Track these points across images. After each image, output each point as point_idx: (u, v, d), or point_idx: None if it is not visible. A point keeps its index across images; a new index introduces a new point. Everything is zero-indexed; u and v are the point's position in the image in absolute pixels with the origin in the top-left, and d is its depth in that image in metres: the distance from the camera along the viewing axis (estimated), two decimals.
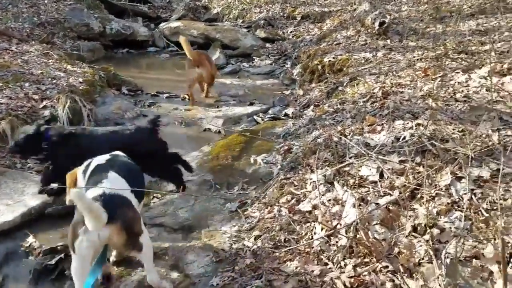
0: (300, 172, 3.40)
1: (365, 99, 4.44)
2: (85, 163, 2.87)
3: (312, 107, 5.75)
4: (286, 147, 4.18)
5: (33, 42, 8.06)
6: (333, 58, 6.57)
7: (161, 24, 11.42)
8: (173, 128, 5.69)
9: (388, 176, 2.83)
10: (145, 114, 6.08)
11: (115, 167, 2.67)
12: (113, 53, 10.16)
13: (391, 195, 2.71)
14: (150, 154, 3.53)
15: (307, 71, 6.91)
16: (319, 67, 6.69)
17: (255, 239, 2.80)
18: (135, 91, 7.00)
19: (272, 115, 5.74)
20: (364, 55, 6.36)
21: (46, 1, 10.21)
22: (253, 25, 11.13)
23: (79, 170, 2.86)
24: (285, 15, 11.37)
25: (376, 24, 6.90)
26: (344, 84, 5.54)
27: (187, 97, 6.76)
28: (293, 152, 4.01)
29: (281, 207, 3.00)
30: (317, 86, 6.49)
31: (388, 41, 6.68)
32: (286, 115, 5.76)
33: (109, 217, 2.24)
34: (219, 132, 5.49)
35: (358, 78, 5.38)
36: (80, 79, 6.25)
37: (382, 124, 3.63)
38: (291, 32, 10.64)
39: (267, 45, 9.95)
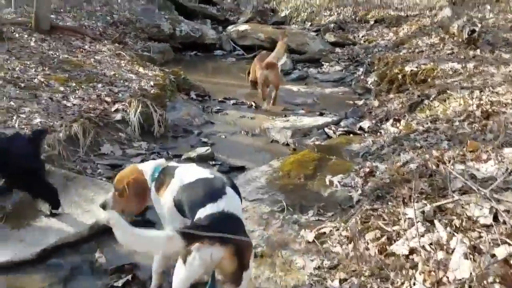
0: (389, 203, 2.98)
1: (461, 118, 3.91)
2: (155, 168, 2.61)
3: (391, 121, 5.26)
4: (367, 169, 3.75)
5: (105, 42, 8.16)
6: (416, 67, 6.02)
7: (229, 27, 11.28)
8: (240, 137, 5.43)
9: (504, 220, 2.35)
10: (213, 121, 5.88)
11: (229, 183, 2.36)
12: (181, 56, 10.13)
13: (510, 244, 2.23)
14: (21, 167, 3.12)
15: (385, 80, 6.40)
16: (399, 76, 6.16)
17: (340, 282, 2.43)
18: (203, 96, 6.83)
19: (345, 129, 5.30)
20: (451, 66, 5.77)
21: (119, 1, 10.37)
22: (322, 28, 10.70)
23: (144, 177, 2.61)
24: (357, 18, 10.85)
25: (465, 32, 6.26)
26: (432, 98, 5.01)
27: (253, 104, 6.49)
28: (377, 177, 3.57)
29: (368, 245, 2.61)
30: (396, 97, 5.98)
31: (478, 51, 6.02)
32: (361, 129, 5.31)
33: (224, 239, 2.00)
34: (287, 144, 5.15)
35: (448, 91, 4.83)
36: (152, 83, 6.16)
37: (488, 151, 3.11)
38: (362, 37, 10.11)
39: (337, 49, 9.49)
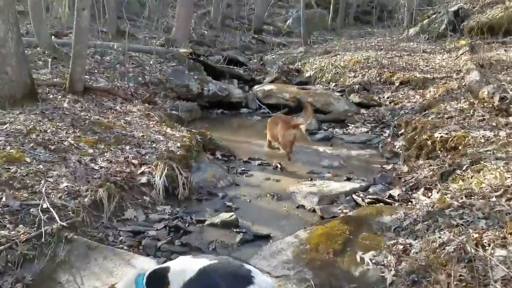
0: None
1: (497, 194, 3.68)
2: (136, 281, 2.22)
3: (422, 190, 5.04)
4: (400, 247, 3.52)
5: (136, 102, 8.34)
6: (446, 133, 5.84)
7: (255, 87, 11.46)
8: (265, 201, 5.28)
9: None
10: (238, 183, 5.78)
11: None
12: (208, 113, 10.27)
13: None
14: None
15: (414, 146, 6.22)
16: (429, 142, 5.98)
17: None
18: (228, 156, 6.80)
19: (374, 196, 5.09)
20: (483, 133, 5.57)
21: (151, 62, 10.73)
22: (346, 89, 10.72)
23: None
24: (381, 80, 10.84)
25: (496, 99, 6.10)
26: (464, 168, 4.79)
27: (279, 166, 6.40)
28: (411, 256, 3.34)
29: None
30: (425, 163, 5.77)
31: (511, 118, 5.83)
32: (391, 197, 5.09)
33: None
34: (314, 210, 4.96)
35: (481, 162, 4.62)
36: (178, 144, 6.17)
37: None
38: (388, 98, 10.04)
39: (362, 110, 9.42)
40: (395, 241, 3.70)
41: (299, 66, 13.27)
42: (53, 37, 10.37)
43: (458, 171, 4.85)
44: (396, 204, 4.87)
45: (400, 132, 7.51)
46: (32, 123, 5.95)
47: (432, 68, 11.06)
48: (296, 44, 17.86)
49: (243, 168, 6.31)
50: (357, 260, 3.55)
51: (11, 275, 3.30)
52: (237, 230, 4.45)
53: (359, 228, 3.98)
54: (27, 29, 11.84)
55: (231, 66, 12.95)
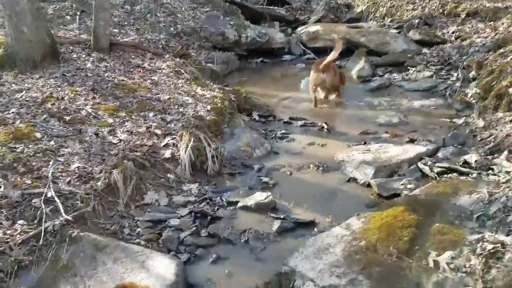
0: None
1: None
2: None
3: (506, 153, 3.97)
4: (489, 246, 2.60)
5: (167, 56, 7.51)
6: None
7: (299, 29, 10.22)
8: (308, 174, 4.41)
9: None
10: (276, 151, 4.95)
11: None
12: (247, 64, 9.29)
13: None
14: None
15: (491, 94, 5.00)
16: (510, 90, 4.75)
17: None
18: (266, 116, 5.92)
19: (445, 165, 4.07)
20: None
21: (183, 9, 9.74)
22: (405, 25, 9.23)
23: None
24: (445, 12, 9.21)
25: None
26: None
27: (325, 126, 5.45)
28: (503, 261, 2.42)
29: None
30: (507, 117, 4.62)
31: None
32: (466, 163, 4.06)
33: None
34: (369, 185, 4.06)
35: None
36: (208, 107, 5.37)
37: None
38: (453, 33, 8.52)
39: (424, 50, 8.04)
40: (480, 235, 2.78)
41: (349, 0, 11.71)
42: None
43: None
44: (474, 174, 3.85)
45: (472, 76, 6.20)
46: (49, 89, 5.37)
47: None
48: None
49: (283, 131, 5.42)
50: (430, 264, 2.68)
51: None
52: (275, 215, 3.67)
53: (431, 215, 3.07)
54: None
55: (271, 7, 11.66)
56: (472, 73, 6.36)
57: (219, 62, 8.40)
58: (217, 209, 3.83)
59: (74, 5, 9.28)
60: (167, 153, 4.36)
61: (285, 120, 5.78)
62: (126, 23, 9.08)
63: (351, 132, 5.29)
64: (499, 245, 2.62)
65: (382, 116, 5.58)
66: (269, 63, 9.29)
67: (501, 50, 6.22)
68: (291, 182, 4.27)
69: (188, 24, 9.41)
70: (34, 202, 3.40)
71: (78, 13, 8.96)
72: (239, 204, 3.86)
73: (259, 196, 3.86)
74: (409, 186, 3.82)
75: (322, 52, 9.17)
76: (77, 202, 3.46)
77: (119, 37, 8.19)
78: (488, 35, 7.61)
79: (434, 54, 7.69)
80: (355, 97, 6.54)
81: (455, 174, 3.94)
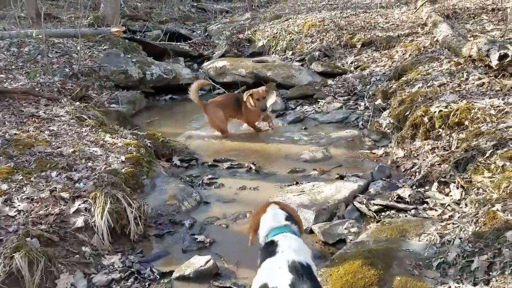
0: None
1: None
2: None
3: (436, 185, 3.99)
4: None
5: (65, 100, 6.61)
6: (445, 107, 4.78)
7: (205, 64, 9.95)
8: (245, 223, 4.00)
9: None
10: (207, 200, 4.47)
11: None
12: (155, 101, 8.71)
13: None
14: None
15: (407, 124, 5.13)
16: (425, 119, 4.90)
17: None
18: (188, 160, 5.41)
19: (381, 202, 3.96)
20: (490, 102, 4.56)
21: (78, 48, 8.84)
22: (306, 57, 9.46)
23: None
24: (342, 43, 9.65)
25: (494, 57, 5.07)
26: (487, 154, 3.76)
27: (253, 167, 5.12)
28: None
29: None
30: (426, 145, 4.73)
31: None
32: (400, 199, 4.00)
33: None
34: (311, 231, 3.78)
35: (509, 144, 3.61)
36: (122, 157, 4.71)
37: None
38: (351, 63, 8.92)
39: (329, 81, 8.23)
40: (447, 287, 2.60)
41: (250, 35, 11.79)
42: None
43: (480, 158, 3.81)
44: (411, 209, 3.78)
45: (379, 105, 6.41)
46: None
47: (393, 24, 10.00)
48: (241, 9, 16.24)
49: (210, 176, 4.96)
50: None
51: None
52: (219, 283, 3.18)
53: (388, 267, 2.85)
54: None
55: (173, 43, 11.24)
56: (379, 102, 6.59)
57: (124, 102, 7.69)
58: (149, 285, 3.21)
59: None
60: (79, 221, 3.62)
61: (210, 163, 5.33)
62: (13, 66, 7.95)
63: (280, 171, 5.02)
64: None
65: (306, 152, 5.43)
66: (179, 100, 8.79)
67: (404, 78, 6.55)
68: (229, 237, 3.82)
69: (85, 63, 8.55)
70: None
71: None
72: (175, 275, 3.30)
73: (197, 262, 3.34)
74: (352, 229, 3.61)
75: (232, 86, 9.02)
76: None
77: (7, 83, 7.08)
78: (385, 64, 8.06)
79: (340, 85, 7.91)
80: (274, 132, 6.35)
81: (392, 211, 3.84)
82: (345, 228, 3.63)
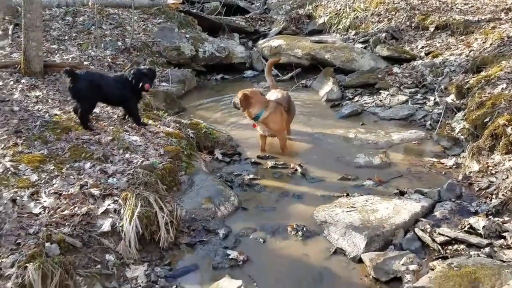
0: None
1: None
2: None
3: None
4: None
5: None
6: None
7: (260, 42, 9.36)
8: (284, 242, 3.51)
9: None
10: (245, 206, 4.02)
11: None
12: (206, 81, 8.32)
13: None
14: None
15: (485, 133, 4.32)
16: (509, 129, 4.08)
17: None
18: (231, 155, 4.98)
19: (449, 233, 3.29)
20: None
21: (132, 20, 8.56)
22: (370, 39, 8.56)
23: None
24: (412, 24, 8.62)
25: None
26: None
27: (299, 169, 4.58)
28: None
29: None
30: (506, 161, 3.95)
31: None
32: (471, 228, 3.31)
33: None
34: (360, 260, 3.22)
35: None
36: (162, 150, 4.36)
37: None
38: (422, 48, 7.94)
39: (395, 69, 7.36)
40: None
41: (310, 11, 10.98)
42: None
43: None
44: (485, 246, 3.10)
45: (453, 104, 5.55)
46: None
47: (472, 6, 8.77)
48: None
49: (251, 176, 4.50)
50: None
51: None
52: None
53: None
54: None
55: (229, 17, 10.70)
56: (452, 98, 5.73)
57: (174, 81, 7.36)
58: None
59: (6, 17, 7.92)
60: (107, 225, 3.32)
61: (253, 160, 4.87)
62: (66, 37, 7.84)
63: (329, 177, 4.45)
64: None
65: (361, 156, 4.79)
66: (230, 80, 8.36)
67: (483, 73, 5.61)
68: (265, 256, 3.36)
69: (139, 37, 8.28)
70: None
71: (11, 27, 7.62)
72: None
73: (228, 287, 2.92)
74: (411, 267, 3.01)
75: (286, 67, 8.40)
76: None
77: (58, 55, 6.97)
78: (461, 52, 7.05)
79: (407, 74, 7.03)
80: (327, 127, 5.72)
81: (462, 245, 3.18)
82: (403, 264, 3.04)
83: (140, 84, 4.61)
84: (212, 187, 4.10)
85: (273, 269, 3.21)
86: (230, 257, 3.31)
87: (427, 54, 7.64)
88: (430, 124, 5.43)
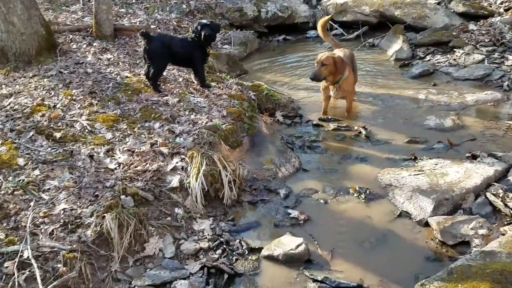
0: None
1: None
2: None
3: None
4: None
5: None
6: None
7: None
8: (346, 203, 3.49)
9: None
10: (306, 168, 4.02)
11: None
12: (267, 42, 8.23)
13: None
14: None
15: None
16: None
17: None
18: (292, 117, 4.95)
19: None
20: None
21: None
22: None
23: None
24: None
25: None
26: None
27: (363, 131, 4.47)
28: None
29: None
30: None
31: None
32: None
33: None
34: (427, 224, 3.13)
35: None
36: (224, 112, 4.44)
37: None
38: (501, 3, 7.22)
39: (470, 26, 6.78)
40: None
41: None
42: None
43: None
44: None
45: None
46: (42, 92, 4.54)
47: None
48: None
49: (313, 138, 4.47)
50: None
51: None
52: (310, 273, 2.81)
53: None
54: None
55: None
56: None
57: (236, 43, 7.38)
58: (236, 260, 3.00)
59: None
60: (175, 181, 3.50)
61: (315, 122, 4.82)
62: (134, 0, 8.07)
63: (396, 139, 4.30)
64: None
65: (431, 117, 4.56)
66: (292, 41, 8.20)
67: None
68: (327, 216, 3.38)
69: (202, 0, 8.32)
70: (6, 267, 2.63)
71: None
72: (263, 253, 3.02)
73: (289, 243, 3.00)
74: (480, 231, 2.88)
75: (352, 26, 8.06)
76: (58, 266, 2.67)
77: (126, 18, 7.23)
78: None
79: (483, 32, 6.46)
80: (395, 87, 5.47)
81: None
82: (472, 228, 2.92)
83: (203, 34, 4.57)
84: (273, 148, 4.14)
85: (335, 230, 3.22)
86: (291, 216, 3.37)
87: (506, 10, 6.97)
88: (507, 85, 5.01)
